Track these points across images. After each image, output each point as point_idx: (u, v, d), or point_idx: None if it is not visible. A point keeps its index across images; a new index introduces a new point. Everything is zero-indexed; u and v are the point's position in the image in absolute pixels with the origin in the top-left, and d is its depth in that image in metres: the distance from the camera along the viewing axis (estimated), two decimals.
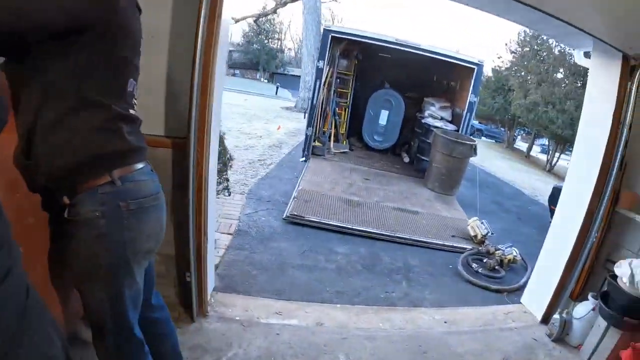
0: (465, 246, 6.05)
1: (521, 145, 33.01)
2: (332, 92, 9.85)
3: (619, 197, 3.94)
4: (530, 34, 24.27)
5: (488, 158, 17.97)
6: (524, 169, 19.61)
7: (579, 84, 19.88)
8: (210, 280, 3.57)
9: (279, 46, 54.34)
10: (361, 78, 11.47)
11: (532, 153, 27.83)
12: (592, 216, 3.88)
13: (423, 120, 9.70)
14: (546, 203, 11.03)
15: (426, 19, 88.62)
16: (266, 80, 49.55)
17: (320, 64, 8.75)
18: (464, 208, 7.92)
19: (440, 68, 10.67)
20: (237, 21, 30.00)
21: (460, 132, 8.95)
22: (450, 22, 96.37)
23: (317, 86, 8.85)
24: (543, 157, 27.67)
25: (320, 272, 4.78)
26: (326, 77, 9.31)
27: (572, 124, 18.89)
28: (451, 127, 9.29)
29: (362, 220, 6.31)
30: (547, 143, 31.80)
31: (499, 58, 28.52)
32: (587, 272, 4.08)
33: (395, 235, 6.00)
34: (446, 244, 6.07)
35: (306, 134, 9.21)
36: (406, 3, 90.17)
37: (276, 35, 53.76)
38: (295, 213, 6.01)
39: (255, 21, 36.23)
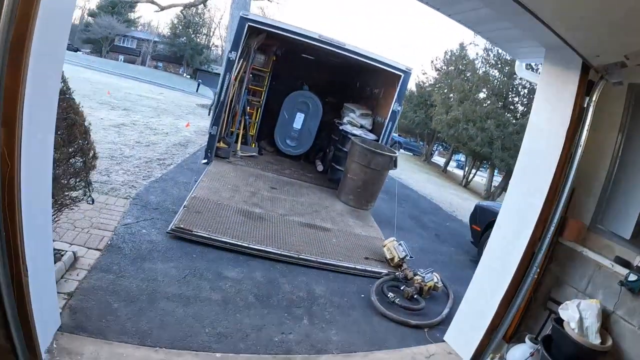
0: (380, 270, 5.34)
1: (438, 159, 33.87)
2: (244, 89, 8.77)
3: (564, 226, 3.36)
4: (457, 54, 24.79)
5: (406, 171, 17.81)
6: (441, 183, 19.69)
7: (500, 104, 20.43)
8: (51, 319, 2.79)
9: (206, 42, 52.85)
10: (278, 77, 10.46)
11: (449, 168, 28.40)
12: (534, 247, 3.38)
13: (341, 127, 8.87)
14: (464, 220, 10.75)
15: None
16: (189, 76, 47.83)
17: (232, 55, 7.68)
18: (380, 224, 7.21)
19: (365, 73, 10.02)
20: (162, 9, 28.33)
21: (380, 142, 8.25)
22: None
23: (227, 80, 7.77)
24: (458, 172, 28.42)
25: (201, 305, 3.80)
26: (238, 72, 8.27)
27: (491, 142, 19.35)
28: (371, 136, 8.58)
29: (262, 237, 5.34)
30: (462, 159, 32.93)
31: (423, 74, 29.12)
32: (523, 310, 3.62)
33: (300, 257, 5.11)
34: (358, 267, 5.30)
35: (210, 134, 8.08)
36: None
37: (204, 30, 52.27)
38: (182, 226, 4.96)
39: (181, 11, 34.45)
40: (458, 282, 5.70)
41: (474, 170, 24.59)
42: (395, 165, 7.50)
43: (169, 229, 4.95)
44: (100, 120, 10.61)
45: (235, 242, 4.98)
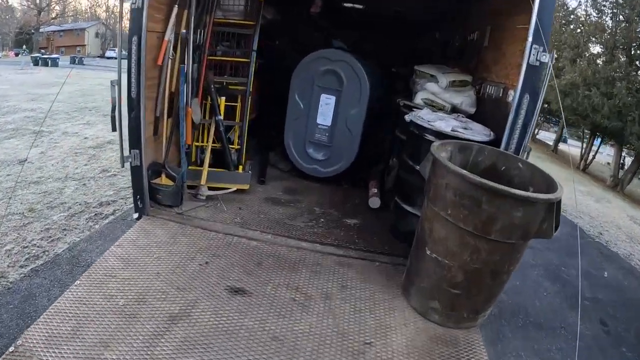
0: None
1: (542, 135, 27.72)
2: (197, 64, 4.10)
3: None
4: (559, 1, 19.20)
5: None
6: (561, 173, 14.04)
7: (623, 59, 14.69)
8: None
9: None
10: (281, 36, 5.74)
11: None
12: None
13: (409, 117, 3.92)
14: (620, 251, 5.88)
15: None
16: None
17: None
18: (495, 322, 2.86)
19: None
20: None
21: (505, 148, 3.09)
22: None
23: (135, 53, 3.27)
24: (566, 149, 22.43)
25: None
26: (172, 29, 3.87)
27: (620, 112, 13.63)
28: (478, 132, 3.57)
29: None
30: (572, 133, 26.70)
31: None
32: None
33: None
34: None
35: (130, 165, 3.60)
36: None
37: None
38: None
39: None
40: None
41: (593, 149, 18.88)
42: (555, 228, 2.44)
43: None
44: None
45: None
